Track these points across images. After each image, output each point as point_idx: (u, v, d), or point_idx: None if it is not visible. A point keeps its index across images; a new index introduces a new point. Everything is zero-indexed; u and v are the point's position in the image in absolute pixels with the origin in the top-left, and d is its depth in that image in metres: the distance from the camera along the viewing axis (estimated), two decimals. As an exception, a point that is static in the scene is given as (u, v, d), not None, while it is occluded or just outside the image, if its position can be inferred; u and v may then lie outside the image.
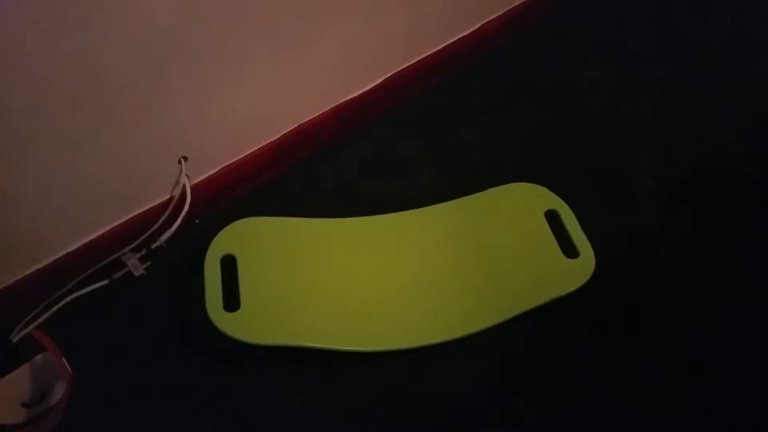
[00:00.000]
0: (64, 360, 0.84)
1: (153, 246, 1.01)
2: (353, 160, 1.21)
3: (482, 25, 1.33)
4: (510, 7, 1.36)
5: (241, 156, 1.10)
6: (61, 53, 0.74)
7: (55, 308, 0.96)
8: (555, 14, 1.47)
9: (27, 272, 0.93)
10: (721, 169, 1.22)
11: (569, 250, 1.04)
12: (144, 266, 1.01)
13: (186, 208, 1.01)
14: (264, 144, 1.11)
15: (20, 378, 0.87)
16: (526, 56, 1.41)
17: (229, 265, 0.98)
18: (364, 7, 1.05)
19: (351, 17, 1.05)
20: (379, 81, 1.21)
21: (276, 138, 1.12)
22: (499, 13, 1.35)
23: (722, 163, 1.23)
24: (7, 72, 0.71)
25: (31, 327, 0.94)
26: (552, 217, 1.08)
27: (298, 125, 1.14)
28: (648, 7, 1.53)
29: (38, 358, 0.89)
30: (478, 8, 1.31)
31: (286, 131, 1.13)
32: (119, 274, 0.99)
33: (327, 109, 1.16)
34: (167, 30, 0.82)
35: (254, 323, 0.92)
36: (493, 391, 0.94)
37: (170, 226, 1.01)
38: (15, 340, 0.92)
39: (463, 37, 1.31)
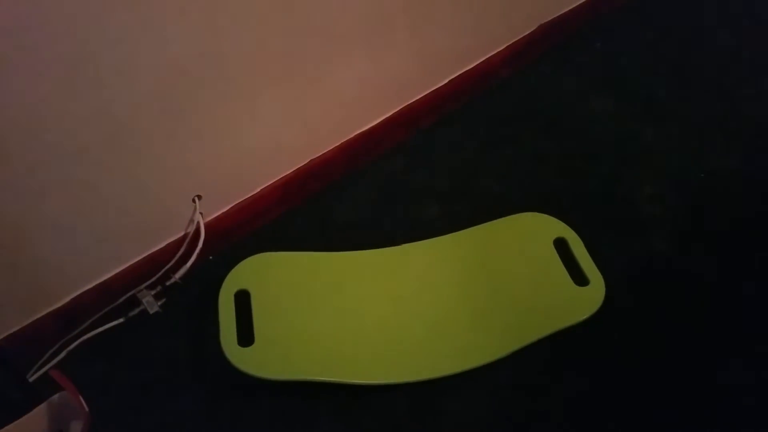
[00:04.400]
0: (81, 399, 0.85)
1: (168, 283, 1.02)
2: (364, 193, 1.22)
3: (486, 59, 1.36)
4: (512, 41, 1.39)
5: (254, 192, 1.12)
6: (78, 106, 0.77)
7: (71, 347, 0.97)
8: (555, 46, 1.50)
9: (44, 312, 0.95)
10: (727, 192, 1.22)
11: (579, 278, 1.04)
12: (159, 303, 1.02)
13: (200, 245, 1.03)
14: (276, 180, 1.14)
15: (38, 417, 0.87)
16: (530, 88, 1.43)
17: (243, 300, 0.99)
18: (372, 44, 1.08)
19: (360, 54, 1.08)
20: (388, 115, 1.24)
21: (287, 173, 1.15)
22: (502, 47, 1.38)
23: (728, 187, 1.23)
24: (30, 128, 0.74)
25: (48, 366, 0.95)
26: (561, 245, 1.09)
27: (309, 160, 1.16)
28: (648, 35, 1.56)
29: (55, 397, 0.89)
30: (483, 43, 1.34)
31: (298, 167, 1.15)
32: (135, 311, 1.01)
33: (337, 144, 1.19)
34: (180, 75, 0.85)
35: (268, 358, 0.93)
36: (508, 422, 0.93)
37: (185, 263, 1.03)
38: (32, 379, 0.93)
39: (468, 70, 1.34)
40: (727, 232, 1.16)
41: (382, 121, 1.23)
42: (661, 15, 1.62)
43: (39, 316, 0.94)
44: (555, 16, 1.46)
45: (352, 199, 1.21)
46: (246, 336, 0.95)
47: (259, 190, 1.12)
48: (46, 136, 0.76)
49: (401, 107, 1.26)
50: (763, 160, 1.28)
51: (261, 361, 0.92)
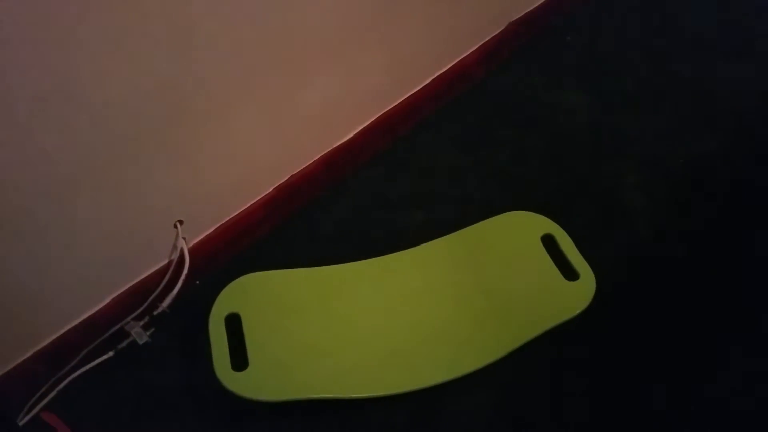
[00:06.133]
0: (74, 439, 0.83)
1: (155, 312, 1.01)
2: (347, 205, 1.22)
3: (459, 61, 1.36)
4: (484, 41, 1.40)
5: (236, 213, 1.11)
6: (51, 138, 0.75)
7: (61, 386, 0.95)
8: (526, 43, 1.51)
9: (30, 352, 0.92)
10: (708, 177, 1.24)
11: (569, 272, 1.05)
12: (148, 333, 1.00)
13: (185, 270, 1.01)
14: (257, 199, 1.12)
15: (31, 463, 0.85)
16: (504, 86, 1.44)
17: (233, 323, 0.98)
18: (343, 57, 1.08)
19: (331, 68, 1.07)
20: (364, 125, 1.24)
21: (269, 191, 1.14)
22: (474, 48, 1.39)
23: (708, 172, 1.25)
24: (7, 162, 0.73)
25: (38, 408, 0.92)
26: (548, 241, 1.09)
27: (290, 176, 1.15)
28: (617, 25, 1.58)
29: (48, 439, 0.87)
30: (455, 45, 1.34)
31: (278, 184, 1.14)
32: (124, 344, 0.99)
33: (316, 158, 1.18)
34: (152, 100, 0.83)
35: (264, 380, 0.92)
36: (509, 423, 0.93)
37: (171, 290, 1.01)
38: (22, 423, 0.91)
39: (442, 73, 1.34)
40: (712, 218, 1.17)
41: (360, 131, 1.23)
42: (628, 4, 1.64)
43: (25, 357, 0.92)
44: (524, 12, 1.47)
45: (336, 211, 1.21)
46: (240, 360, 0.93)
47: (241, 210, 1.11)
48: (24, 168, 0.75)
49: (378, 116, 1.25)
50: (741, 143, 1.30)
51: (257, 384, 0.91)
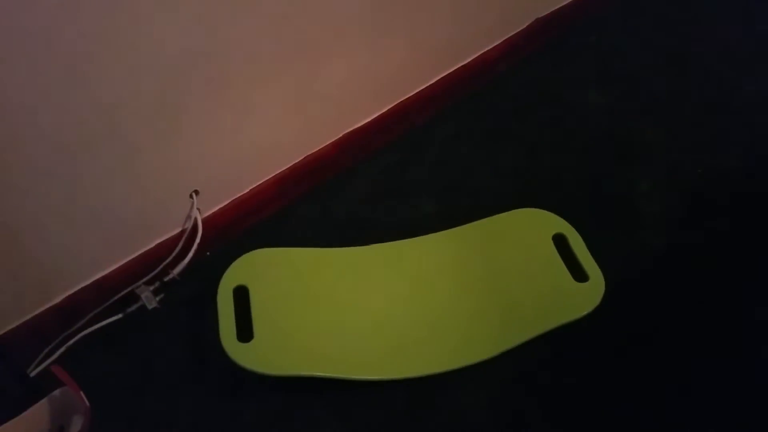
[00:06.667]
0: (81, 394, 0.86)
1: (166, 279, 1.03)
2: (360, 189, 1.23)
3: (482, 54, 1.36)
4: (508, 36, 1.40)
5: (250, 188, 1.12)
6: (73, 103, 0.77)
7: (71, 342, 0.98)
8: (551, 41, 1.50)
9: (43, 308, 0.95)
10: (725, 188, 1.23)
11: (578, 274, 1.05)
12: (157, 299, 1.02)
13: (198, 240, 1.03)
14: (272, 176, 1.14)
15: (39, 412, 0.88)
16: (526, 82, 1.44)
17: (241, 296, 1.00)
18: (365, 40, 1.08)
19: (352, 50, 1.08)
20: (382, 111, 1.24)
21: (284, 169, 1.15)
22: (498, 42, 1.38)
23: (726, 183, 1.24)
24: (27, 124, 0.75)
25: (48, 361, 0.95)
26: (560, 241, 1.09)
27: (305, 156, 1.17)
28: (644, 28, 1.57)
29: (56, 392, 0.90)
30: (479, 38, 1.34)
31: (293, 163, 1.16)
32: (133, 307, 1.01)
33: (332, 140, 1.19)
34: (175, 73, 0.85)
35: (268, 353, 0.94)
36: (508, 417, 0.94)
37: (183, 258, 1.03)
38: (33, 374, 0.94)
39: (463, 65, 1.34)
40: (725, 229, 1.17)
41: (375, 118, 1.24)
42: (657, 8, 1.62)
43: (38, 311, 0.95)
44: (551, 10, 1.46)
45: (348, 195, 1.22)
46: (245, 331, 0.95)
47: (256, 185, 1.13)
48: (42, 131, 0.77)
49: (396, 103, 1.26)
50: (762, 155, 1.29)
51: (260, 356, 0.93)
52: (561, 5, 1.48)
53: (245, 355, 0.92)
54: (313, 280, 1.05)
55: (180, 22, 0.80)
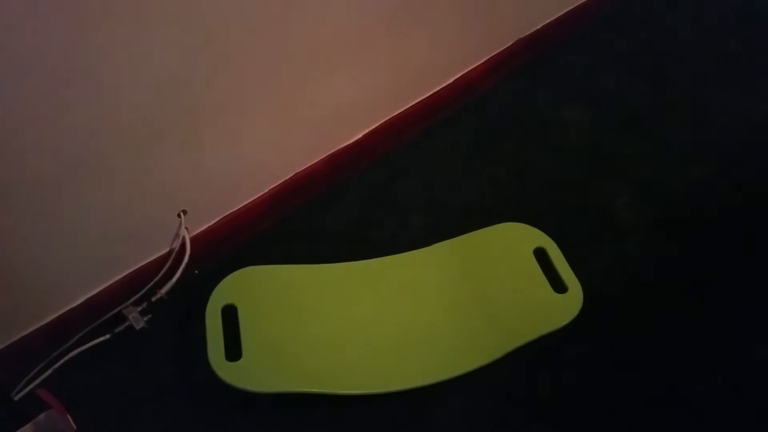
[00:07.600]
0: (69, 417, 0.85)
1: (154, 299, 1.03)
2: (349, 206, 1.24)
3: (466, 73, 1.39)
4: (491, 55, 1.43)
5: (239, 206, 1.13)
6: (63, 122, 0.77)
7: (57, 364, 0.97)
8: (532, 60, 1.54)
9: (29, 330, 0.95)
10: (700, 201, 1.26)
11: (558, 285, 1.07)
12: (145, 319, 1.02)
13: (186, 260, 1.03)
14: (261, 194, 1.15)
15: (24, 437, 0.87)
16: (508, 101, 1.47)
17: (230, 314, 1.00)
18: (353, 60, 1.10)
19: (343, 70, 1.10)
20: (372, 128, 1.26)
21: (272, 187, 1.16)
22: (481, 61, 1.41)
23: (701, 196, 1.27)
24: (18, 147, 0.75)
25: (34, 384, 0.94)
26: (540, 254, 1.12)
27: (294, 174, 1.18)
28: (622, 48, 1.61)
29: (42, 416, 0.88)
30: (463, 57, 1.37)
31: (282, 180, 1.17)
32: (121, 327, 1.01)
33: (321, 157, 1.20)
34: (164, 92, 0.85)
35: (256, 372, 0.94)
36: (493, 428, 0.95)
37: (170, 278, 1.03)
38: (17, 398, 0.92)
39: (448, 84, 1.37)
40: (700, 241, 1.20)
41: (366, 134, 1.25)
42: (634, 28, 1.67)
43: (24, 333, 0.94)
44: (532, 30, 1.50)
45: (338, 211, 1.23)
46: (233, 350, 0.95)
47: (244, 204, 1.13)
48: (25, 153, 0.77)
49: (385, 120, 1.28)
50: (736, 169, 1.33)
51: (249, 374, 0.93)
52: (542, 26, 1.52)
53: (233, 374, 0.92)
54: (302, 296, 1.05)
55: (169, 43, 0.81)
